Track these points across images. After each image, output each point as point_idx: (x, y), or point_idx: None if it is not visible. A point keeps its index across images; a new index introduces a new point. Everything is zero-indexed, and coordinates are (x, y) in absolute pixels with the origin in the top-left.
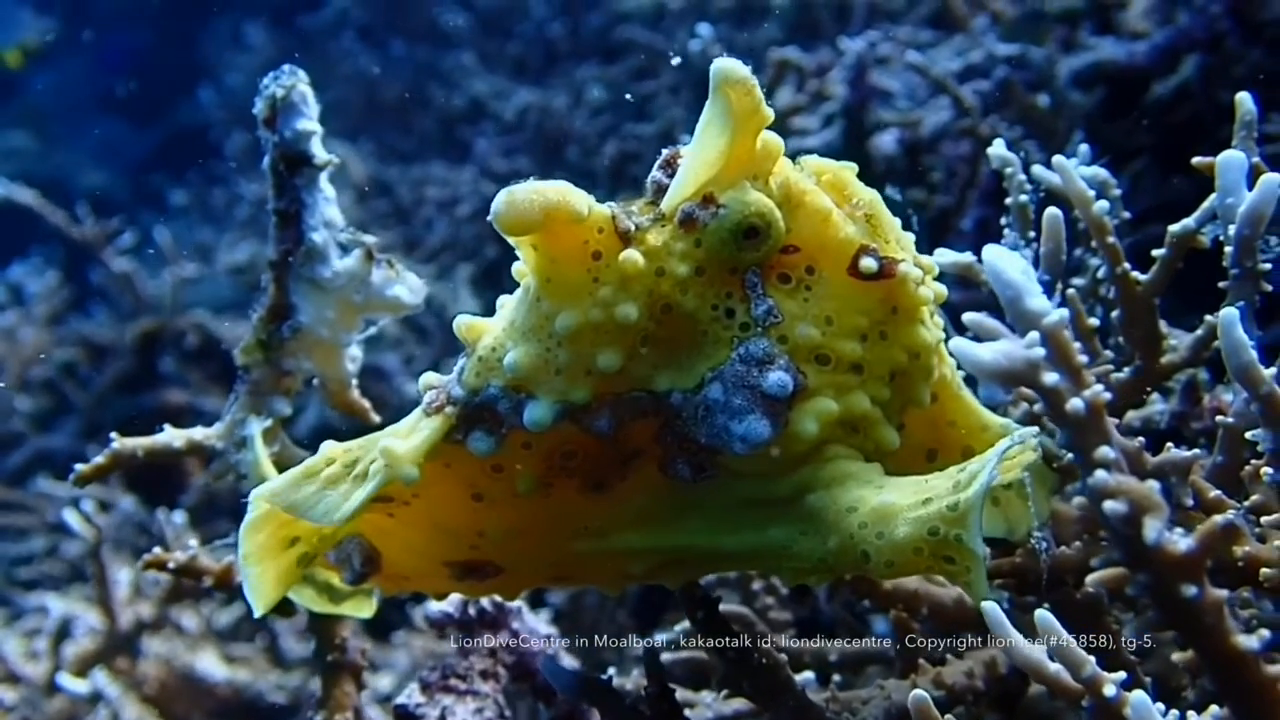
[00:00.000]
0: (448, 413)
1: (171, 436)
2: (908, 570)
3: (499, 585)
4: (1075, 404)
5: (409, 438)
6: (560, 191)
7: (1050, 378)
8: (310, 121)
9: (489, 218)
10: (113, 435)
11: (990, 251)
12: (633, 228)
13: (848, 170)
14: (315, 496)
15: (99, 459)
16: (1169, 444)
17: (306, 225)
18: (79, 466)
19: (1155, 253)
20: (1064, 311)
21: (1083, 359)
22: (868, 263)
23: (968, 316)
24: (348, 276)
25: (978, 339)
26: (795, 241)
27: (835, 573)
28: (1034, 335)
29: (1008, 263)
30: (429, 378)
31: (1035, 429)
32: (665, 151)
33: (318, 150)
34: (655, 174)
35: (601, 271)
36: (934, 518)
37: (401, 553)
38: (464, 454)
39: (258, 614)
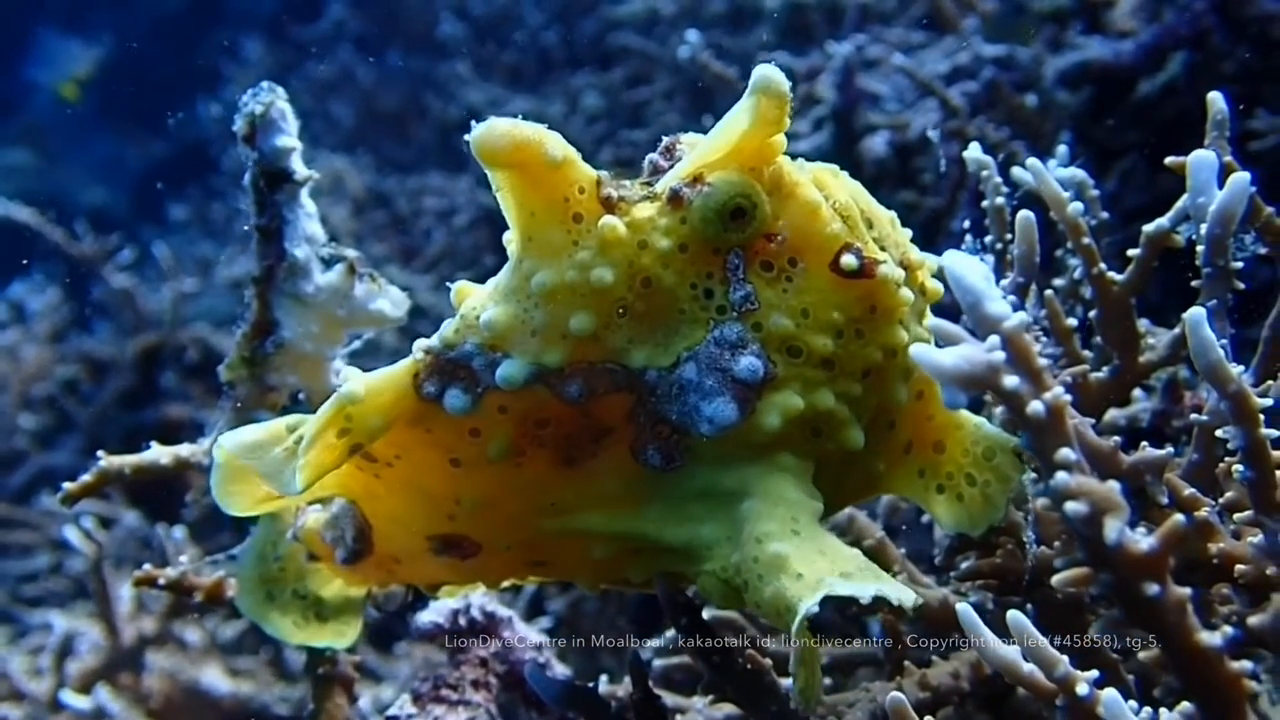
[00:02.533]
0: (417, 357)
1: (159, 454)
2: (777, 624)
3: (478, 567)
4: (1035, 407)
5: None
6: (537, 130)
7: (1010, 381)
8: (290, 138)
9: (467, 136)
10: (99, 453)
11: (951, 257)
12: (615, 195)
13: (828, 171)
14: (284, 462)
15: (86, 477)
16: (1143, 442)
17: (288, 241)
18: (66, 485)
19: (1131, 253)
20: (1024, 315)
21: (1044, 362)
22: (848, 260)
23: (929, 322)
24: (330, 291)
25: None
26: (781, 231)
27: (729, 588)
28: (994, 339)
29: (968, 268)
30: (421, 340)
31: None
32: (665, 139)
33: (298, 166)
34: (653, 156)
35: (581, 235)
36: (791, 600)
37: (388, 524)
38: (443, 417)
39: (218, 501)
